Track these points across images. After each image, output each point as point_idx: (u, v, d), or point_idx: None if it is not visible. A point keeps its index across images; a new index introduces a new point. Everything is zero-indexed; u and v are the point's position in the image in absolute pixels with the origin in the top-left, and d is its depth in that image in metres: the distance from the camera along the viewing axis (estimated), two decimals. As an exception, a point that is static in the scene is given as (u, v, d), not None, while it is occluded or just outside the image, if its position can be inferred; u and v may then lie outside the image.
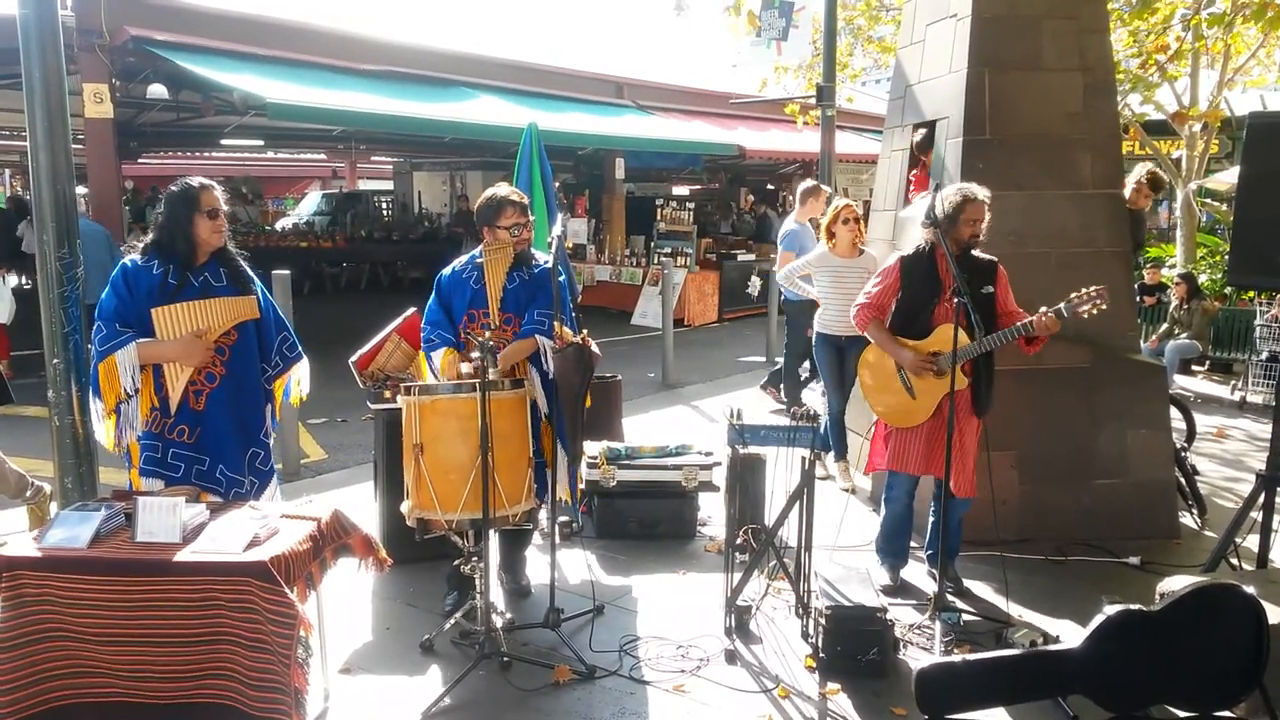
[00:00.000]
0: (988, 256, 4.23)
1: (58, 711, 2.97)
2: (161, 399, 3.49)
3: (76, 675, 2.98)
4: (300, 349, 3.90)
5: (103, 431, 3.58)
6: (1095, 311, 3.90)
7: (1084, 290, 3.89)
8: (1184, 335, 9.55)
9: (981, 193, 4.15)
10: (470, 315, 4.05)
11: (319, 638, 3.35)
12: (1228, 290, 10.53)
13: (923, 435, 4.23)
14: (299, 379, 3.89)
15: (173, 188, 3.58)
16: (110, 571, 2.90)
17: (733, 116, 16.80)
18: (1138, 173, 6.48)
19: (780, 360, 7.97)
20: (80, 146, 9.35)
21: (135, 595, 2.90)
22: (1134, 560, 4.81)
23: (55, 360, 4.10)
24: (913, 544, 4.75)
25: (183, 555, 2.93)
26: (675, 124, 15.47)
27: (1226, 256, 6.26)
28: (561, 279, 4.00)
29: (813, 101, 11.05)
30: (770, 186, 23.38)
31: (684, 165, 18.47)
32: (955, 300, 3.82)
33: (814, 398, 7.27)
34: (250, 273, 3.71)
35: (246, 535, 3.00)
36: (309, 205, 23.01)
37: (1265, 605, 2.90)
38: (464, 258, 4.22)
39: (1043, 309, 3.93)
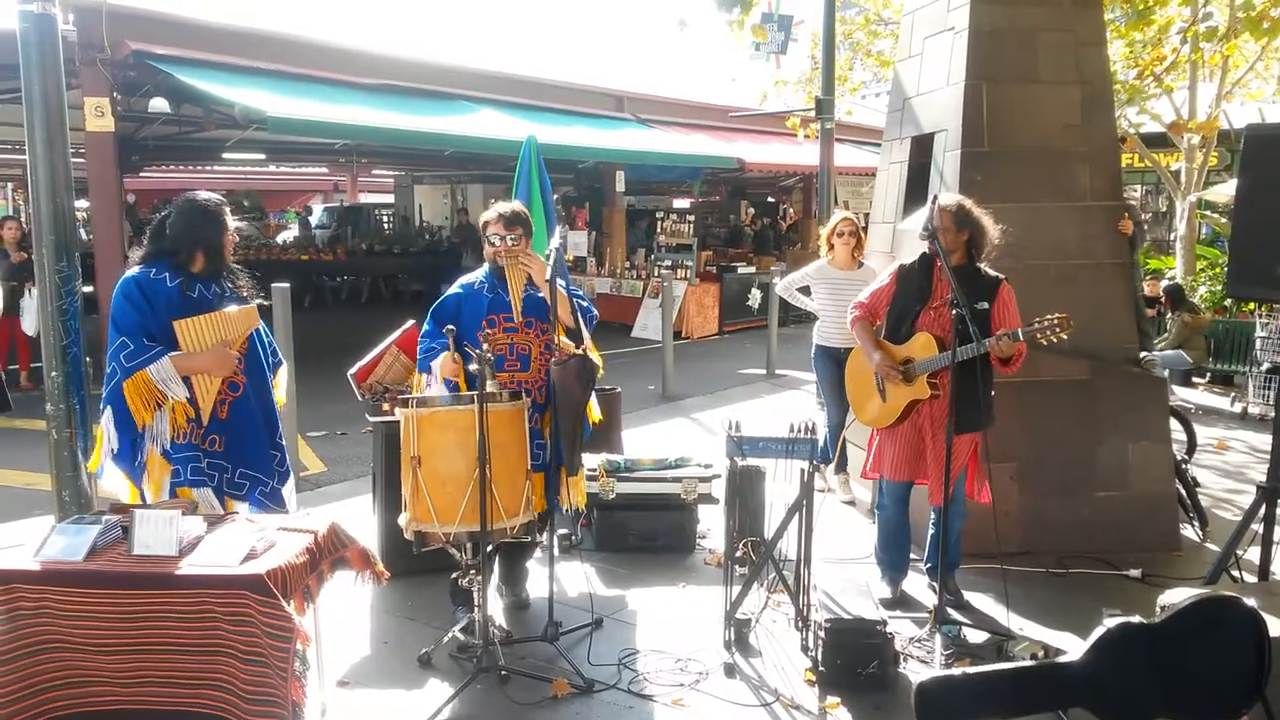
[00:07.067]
0: (994, 274, 4.20)
1: (55, 723, 2.95)
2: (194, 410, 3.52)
3: (74, 685, 2.97)
4: (280, 354, 3.99)
5: (101, 449, 3.50)
6: (1055, 339, 3.85)
7: (1046, 317, 3.86)
8: (1161, 345, 9.52)
9: (944, 200, 4.15)
10: (490, 320, 4.01)
11: (316, 651, 3.34)
12: (1228, 303, 10.54)
13: (901, 441, 4.23)
14: (278, 384, 3.96)
15: (195, 202, 3.57)
16: (107, 585, 2.89)
17: (733, 130, 16.83)
18: None
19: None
20: (81, 160, 9.37)
21: (132, 607, 2.89)
22: (1135, 572, 4.79)
23: (54, 373, 4.10)
24: (913, 556, 4.73)
25: (179, 568, 2.92)
26: (675, 137, 15.50)
27: (1225, 268, 6.25)
28: (568, 287, 4.00)
29: (812, 114, 11.07)
30: (771, 199, 23.43)
31: (684, 178, 18.49)
32: (954, 312, 3.83)
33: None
34: (248, 283, 3.76)
35: (243, 548, 2.99)
36: (311, 218, 23.11)
37: (1267, 618, 2.89)
38: (468, 277, 4.22)
39: (1001, 331, 3.91)
